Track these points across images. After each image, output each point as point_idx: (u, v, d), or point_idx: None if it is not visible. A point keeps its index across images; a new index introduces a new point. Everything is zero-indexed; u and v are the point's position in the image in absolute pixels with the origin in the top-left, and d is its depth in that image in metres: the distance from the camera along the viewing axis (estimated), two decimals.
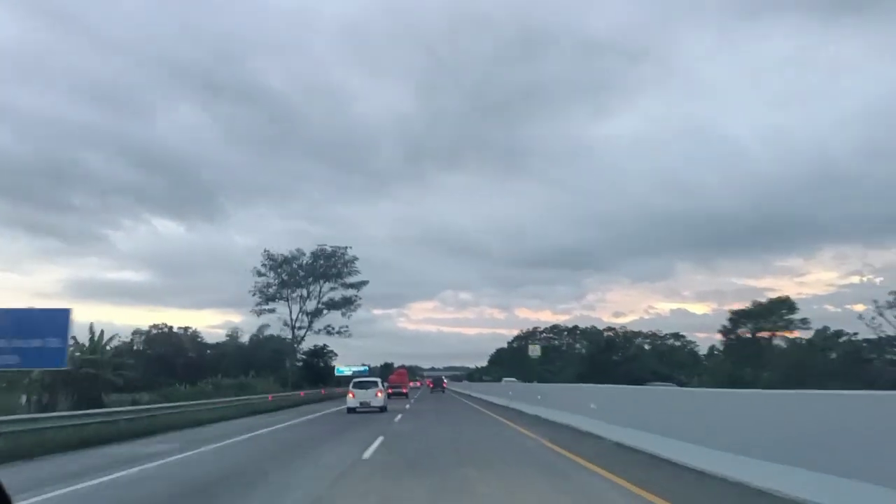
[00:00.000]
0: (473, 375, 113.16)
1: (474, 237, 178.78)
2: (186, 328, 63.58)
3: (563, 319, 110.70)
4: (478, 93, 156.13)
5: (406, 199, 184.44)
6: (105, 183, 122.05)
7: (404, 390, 54.47)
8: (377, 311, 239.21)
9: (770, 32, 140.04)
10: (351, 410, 29.66)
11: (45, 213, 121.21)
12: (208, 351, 58.64)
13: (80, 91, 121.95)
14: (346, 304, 72.41)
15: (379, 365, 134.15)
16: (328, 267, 71.61)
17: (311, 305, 72.36)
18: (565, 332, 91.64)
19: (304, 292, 71.67)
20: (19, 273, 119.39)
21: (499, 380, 62.31)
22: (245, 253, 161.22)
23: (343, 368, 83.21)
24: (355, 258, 72.38)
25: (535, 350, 54.43)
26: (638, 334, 69.15)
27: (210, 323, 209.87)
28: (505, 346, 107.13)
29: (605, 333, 69.53)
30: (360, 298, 72.98)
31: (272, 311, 69.67)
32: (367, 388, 30.74)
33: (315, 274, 71.52)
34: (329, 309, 72.80)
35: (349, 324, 72.54)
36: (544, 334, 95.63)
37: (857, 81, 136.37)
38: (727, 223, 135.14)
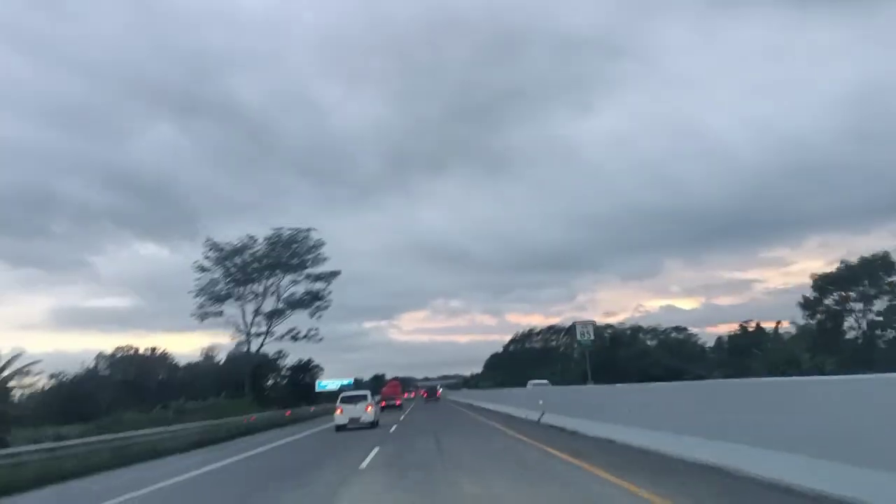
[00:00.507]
0: (469, 382, 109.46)
1: (462, 243, 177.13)
2: (153, 349, 57.56)
3: (554, 322, 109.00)
4: (458, 97, 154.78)
5: (392, 209, 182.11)
6: (85, 208, 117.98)
7: (398, 402, 53.67)
8: (368, 324, 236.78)
9: (747, 22, 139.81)
10: (340, 428, 27.37)
11: (25, 242, 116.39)
12: (179, 373, 53.85)
13: (53, 115, 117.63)
14: (312, 300, 59.00)
15: (369, 377, 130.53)
16: (289, 256, 58.22)
17: (269, 305, 59.12)
18: (563, 333, 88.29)
19: (260, 288, 57.76)
20: (2, 305, 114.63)
21: (500, 385, 58.04)
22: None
23: (325, 383, 76.20)
24: (321, 242, 58.42)
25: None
26: (639, 329, 65.34)
27: (200, 345, 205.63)
28: (500, 350, 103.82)
29: (606, 331, 65.27)
30: (331, 293, 59.94)
31: (219, 314, 55.96)
32: (355, 402, 28.75)
33: (272, 265, 57.75)
34: (292, 308, 58.92)
35: (319, 326, 60.07)
36: (540, 335, 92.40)
37: (837, 68, 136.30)
38: (713, 216, 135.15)
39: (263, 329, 57.60)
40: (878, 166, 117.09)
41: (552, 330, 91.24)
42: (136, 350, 54.34)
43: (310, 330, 59.63)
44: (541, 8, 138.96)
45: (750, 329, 58.49)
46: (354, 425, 27.18)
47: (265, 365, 62.25)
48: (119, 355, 53.06)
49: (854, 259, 52.48)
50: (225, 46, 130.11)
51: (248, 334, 56.33)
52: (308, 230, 57.83)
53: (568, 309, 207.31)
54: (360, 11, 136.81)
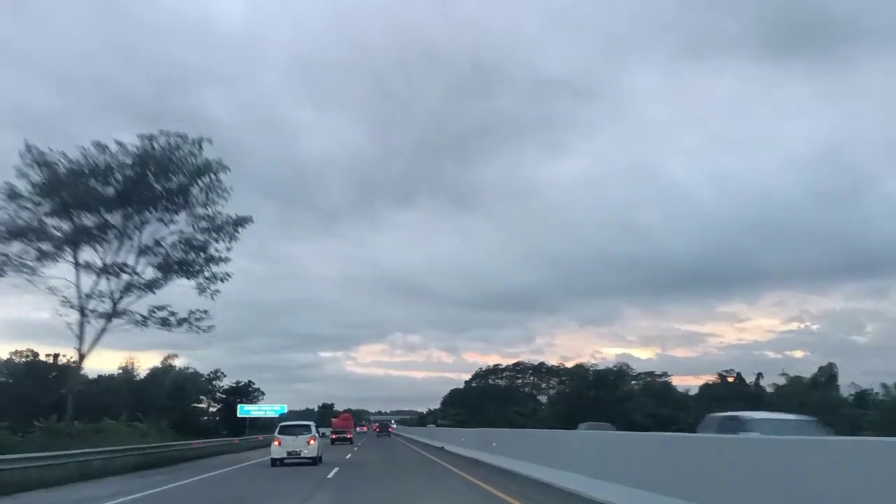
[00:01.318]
0: (426, 419, 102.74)
1: (424, 277, 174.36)
2: (56, 355, 47.89)
3: (511, 363, 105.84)
4: (429, 129, 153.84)
5: (355, 238, 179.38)
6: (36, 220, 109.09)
7: (349, 435, 50.97)
8: (323, 354, 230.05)
9: (719, 73, 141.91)
10: (276, 462, 23.81)
11: None
12: (80, 387, 45.34)
13: (8, 120, 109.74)
14: (198, 257, 32.87)
15: (316, 407, 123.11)
16: (164, 179, 31.27)
17: (131, 260, 32.25)
18: (529, 371, 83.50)
19: (112, 237, 31.58)
20: None
21: (460, 424, 52.01)
22: (187, 291, 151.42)
23: (250, 409, 65.27)
24: (223, 166, 31.77)
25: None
26: (624, 372, 59.84)
27: (154, 363, 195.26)
28: (461, 386, 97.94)
29: (591, 368, 59.61)
30: (229, 251, 33.56)
31: (31, 272, 30.05)
32: (297, 433, 24.75)
33: (134, 197, 31.11)
34: (165, 273, 32.54)
35: (211, 307, 33.61)
36: (505, 372, 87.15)
37: (803, 125, 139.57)
38: (673, 266, 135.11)
39: (110, 306, 31.24)
40: (835, 227, 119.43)
41: (518, 368, 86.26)
42: (37, 355, 46.86)
43: (194, 313, 32.76)
44: (517, 46, 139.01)
45: (730, 380, 55.42)
46: (293, 460, 23.63)
47: (188, 385, 54.53)
48: (16, 361, 45.68)
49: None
50: (195, 61, 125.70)
51: (84, 311, 30.47)
52: (199, 141, 31.05)
53: (525, 351, 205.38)
54: (336, 36, 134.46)
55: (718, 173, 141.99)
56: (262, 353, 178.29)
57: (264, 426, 57.23)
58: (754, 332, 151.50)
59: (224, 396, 63.31)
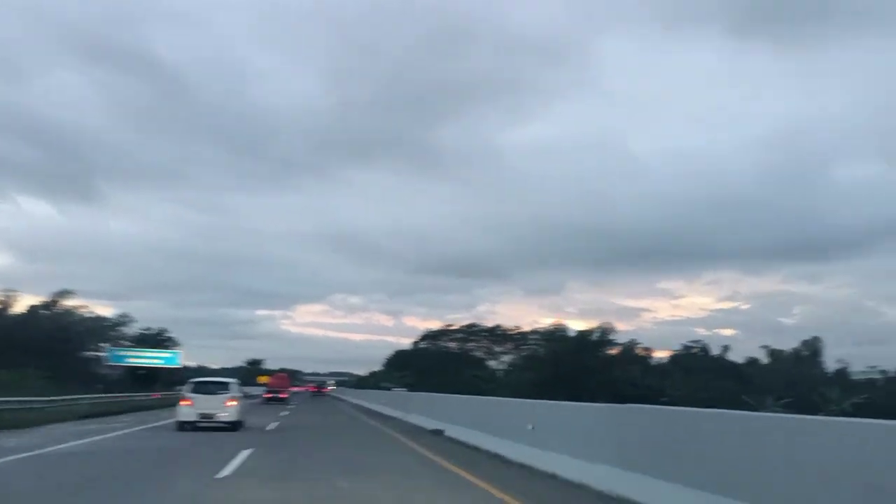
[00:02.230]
0: (367, 381, 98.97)
1: (373, 239, 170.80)
2: None
3: (463, 325, 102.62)
4: (393, 84, 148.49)
5: (307, 193, 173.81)
6: None
7: (283, 395, 49.59)
8: (261, 312, 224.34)
9: (689, 46, 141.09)
10: (184, 426, 20.00)
11: None
12: None
13: None
14: None
15: (242, 364, 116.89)
16: None
17: None
18: (484, 334, 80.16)
19: None
20: None
21: (408, 387, 46.81)
22: (125, 241, 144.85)
23: (124, 353, 53.05)
24: None
25: None
26: (607, 336, 54.66)
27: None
28: (410, 347, 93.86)
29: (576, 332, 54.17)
30: None
31: None
32: (212, 392, 20.73)
33: None
34: None
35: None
36: (459, 334, 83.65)
37: (765, 106, 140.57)
38: (622, 240, 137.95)
39: None
40: (783, 209, 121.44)
41: (472, 330, 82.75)
42: None
43: None
44: (488, 3, 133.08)
45: (694, 351, 53.57)
46: (206, 423, 19.85)
47: (78, 329, 47.19)
48: None
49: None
50: None
51: None
52: None
53: (466, 318, 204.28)
54: None
55: (678, 149, 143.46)
56: (197, 308, 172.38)
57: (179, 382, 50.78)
58: (689, 308, 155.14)
59: (130, 345, 55.84)
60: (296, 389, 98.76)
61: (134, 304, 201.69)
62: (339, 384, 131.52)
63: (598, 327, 48.18)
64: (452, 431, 18.13)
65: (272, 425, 23.39)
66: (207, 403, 19.98)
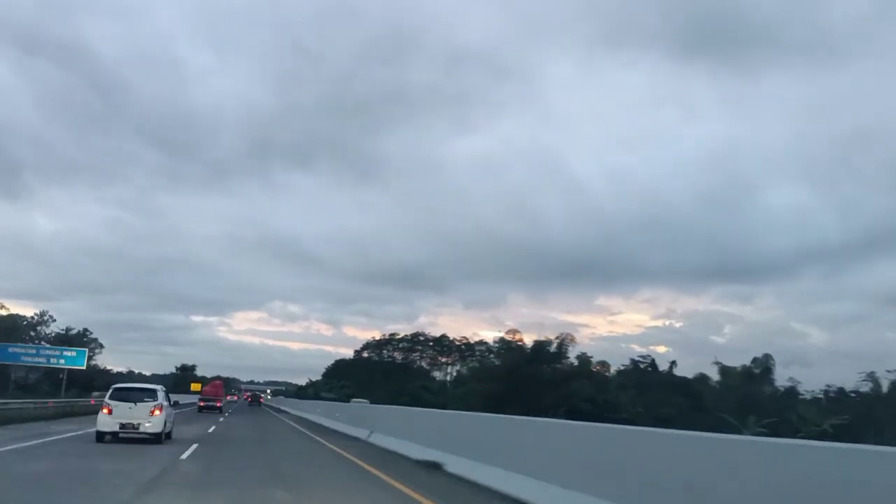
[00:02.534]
0: (306, 391, 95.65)
1: (313, 246, 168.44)
2: None
3: (408, 334, 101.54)
4: (337, 90, 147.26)
5: (245, 197, 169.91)
6: None
7: (219, 404, 48.40)
8: (196, 318, 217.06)
9: (630, 66, 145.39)
10: (103, 437, 18.11)
11: None
12: None
13: None
14: None
15: (173, 370, 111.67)
16: None
17: None
18: (430, 343, 78.50)
19: None
20: None
21: (346, 399, 43.60)
22: (52, 239, 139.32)
23: (16, 351, 46.67)
24: None
25: None
26: (563, 348, 52.63)
27: None
28: (341, 359, 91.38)
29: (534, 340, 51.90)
30: None
31: None
32: (135, 400, 18.58)
33: None
34: None
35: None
36: (403, 344, 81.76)
37: (700, 128, 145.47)
38: (560, 256, 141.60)
39: None
40: (715, 231, 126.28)
41: (418, 339, 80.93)
42: None
43: None
44: (438, 13, 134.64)
45: (643, 366, 53.58)
46: (128, 434, 17.93)
47: None
48: None
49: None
50: None
51: None
52: None
53: (407, 328, 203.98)
54: None
55: (616, 169, 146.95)
56: (128, 311, 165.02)
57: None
58: (624, 325, 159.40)
59: (48, 347, 51.58)
60: (232, 399, 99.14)
61: (61, 305, 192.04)
62: (276, 394, 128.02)
63: (557, 338, 47.32)
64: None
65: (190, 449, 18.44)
66: (131, 413, 17.94)
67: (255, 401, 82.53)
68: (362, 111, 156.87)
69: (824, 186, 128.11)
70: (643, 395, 41.75)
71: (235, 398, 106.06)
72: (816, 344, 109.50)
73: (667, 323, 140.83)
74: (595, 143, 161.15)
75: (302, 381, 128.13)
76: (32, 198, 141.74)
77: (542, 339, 47.26)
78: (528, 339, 49.18)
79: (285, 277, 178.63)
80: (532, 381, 39.99)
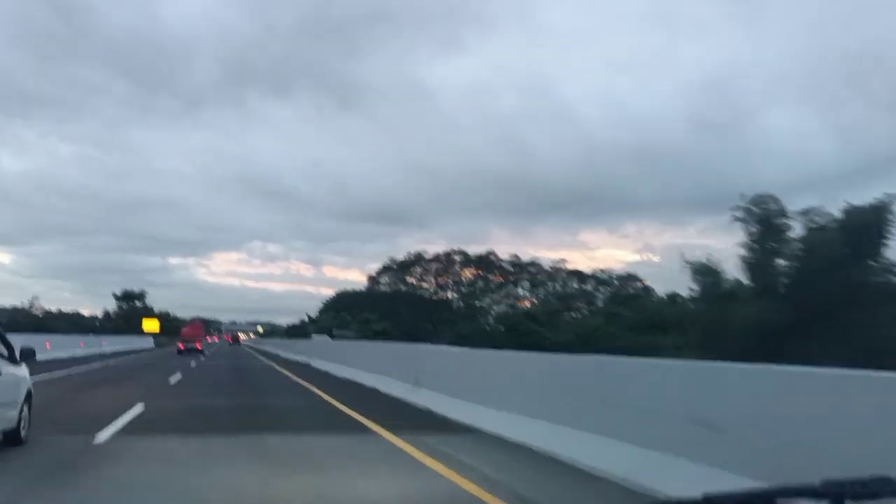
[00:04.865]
0: (302, 330, 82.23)
1: (291, 180, 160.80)
2: None
3: (367, 280, 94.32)
4: (317, 7, 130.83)
5: (220, 129, 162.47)
6: None
7: (199, 346, 48.04)
8: (173, 260, 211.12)
9: None
10: None
11: None
12: None
13: None
14: None
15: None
16: None
17: None
18: (477, 267, 63.96)
19: None
20: None
21: (379, 336, 31.43)
22: (17, 179, 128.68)
23: None
24: None
25: None
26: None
27: None
28: (325, 297, 78.48)
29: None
30: None
31: None
32: None
33: None
34: None
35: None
36: (435, 263, 67.78)
37: (701, 46, 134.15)
38: (547, 189, 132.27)
39: None
40: (710, 160, 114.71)
41: (449, 258, 66.46)
42: None
43: None
44: None
45: None
46: None
47: None
48: None
49: None
50: None
51: None
52: None
53: (375, 272, 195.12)
54: None
55: (609, 95, 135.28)
56: (103, 253, 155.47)
57: None
58: (604, 261, 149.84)
59: None
60: (213, 340, 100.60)
61: (32, 248, 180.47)
62: (265, 335, 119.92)
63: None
64: None
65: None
66: None
67: (235, 341, 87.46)
68: (344, 30, 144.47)
69: (827, 108, 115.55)
70: None
71: (217, 339, 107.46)
72: None
73: (646, 257, 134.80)
74: (588, 65, 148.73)
75: (284, 322, 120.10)
76: None
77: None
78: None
79: (264, 214, 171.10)
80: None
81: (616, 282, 62.95)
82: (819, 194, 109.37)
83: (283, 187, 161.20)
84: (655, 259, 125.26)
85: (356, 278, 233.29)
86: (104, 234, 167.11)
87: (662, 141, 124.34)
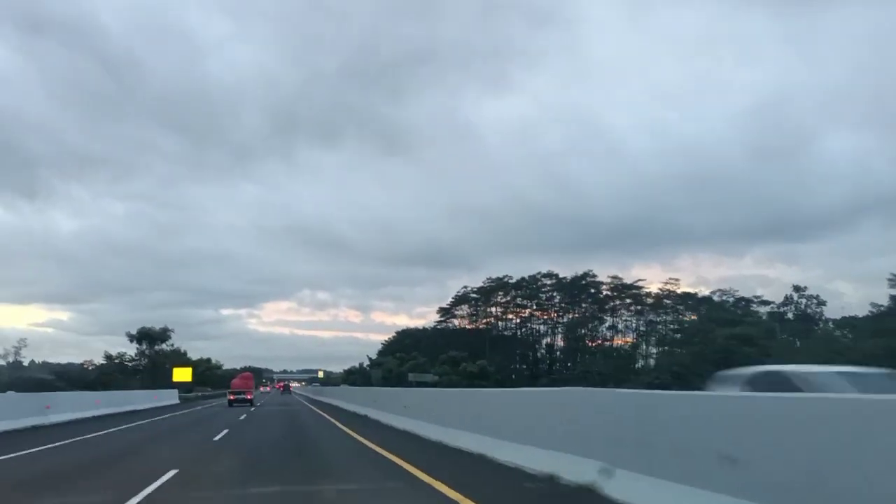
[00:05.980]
0: (363, 376, 75.32)
1: (340, 228, 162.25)
2: None
3: (419, 324, 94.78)
4: (361, 53, 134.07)
5: (268, 180, 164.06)
6: None
7: (249, 396, 47.28)
8: (226, 311, 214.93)
9: (684, 4, 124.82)
10: None
11: None
12: None
13: None
14: None
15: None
16: None
17: None
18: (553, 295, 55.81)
19: None
20: None
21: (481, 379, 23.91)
22: (72, 238, 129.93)
23: None
24: None
25: None
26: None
27: (34, 320, 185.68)
28: (376, 345, 72.60)
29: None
30: None
31: None
32: None
33: None
34: None
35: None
36: (515, 289, 59.88)
37: (753, 71, 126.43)
38: (598, 225, 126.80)
39: None
40: (765, 187, 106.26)
41: (537, 284, 58.59)
42: None
43: None
44: None
45: None
46: None
47: None
48: None
49: None
50: None
51: None
52: None
53: (435, 312, 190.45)
54: None
55: (658, 125, 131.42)
56: (158, 309, 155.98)
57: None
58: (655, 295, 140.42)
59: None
60: (265, 390, 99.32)
61: (90, 306, 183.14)
62: (312, 381, 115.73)
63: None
64: None
65: None
66: None
67: (286, 390, 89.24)
68: (389, 74, 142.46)
69: (888, 129, 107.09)
70: None
71: (268, 389, 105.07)
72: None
73: (695, 291, 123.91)
74: (636, 95, 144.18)
75: (334, 369, 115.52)
76: (51, 196, 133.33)
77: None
78: None
79: (313, 262, 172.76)
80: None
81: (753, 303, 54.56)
82: (886, 217, 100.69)
83: (332, 235, 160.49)
84: (706, 292, 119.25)
85: (405, 323, 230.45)
86: (157, 289, 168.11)
87: (716, 169, 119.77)
